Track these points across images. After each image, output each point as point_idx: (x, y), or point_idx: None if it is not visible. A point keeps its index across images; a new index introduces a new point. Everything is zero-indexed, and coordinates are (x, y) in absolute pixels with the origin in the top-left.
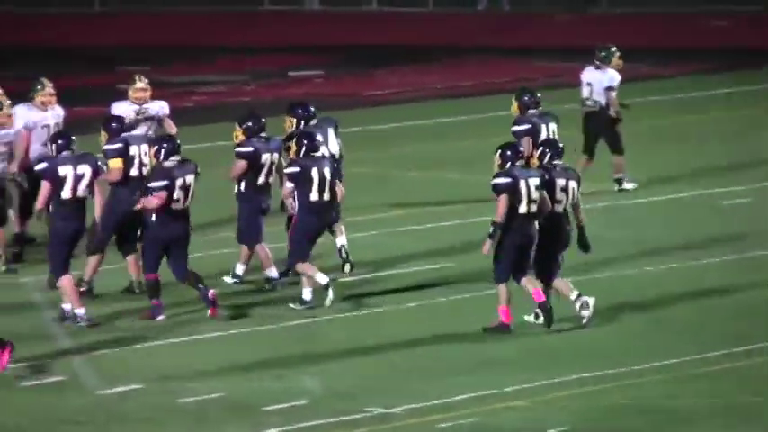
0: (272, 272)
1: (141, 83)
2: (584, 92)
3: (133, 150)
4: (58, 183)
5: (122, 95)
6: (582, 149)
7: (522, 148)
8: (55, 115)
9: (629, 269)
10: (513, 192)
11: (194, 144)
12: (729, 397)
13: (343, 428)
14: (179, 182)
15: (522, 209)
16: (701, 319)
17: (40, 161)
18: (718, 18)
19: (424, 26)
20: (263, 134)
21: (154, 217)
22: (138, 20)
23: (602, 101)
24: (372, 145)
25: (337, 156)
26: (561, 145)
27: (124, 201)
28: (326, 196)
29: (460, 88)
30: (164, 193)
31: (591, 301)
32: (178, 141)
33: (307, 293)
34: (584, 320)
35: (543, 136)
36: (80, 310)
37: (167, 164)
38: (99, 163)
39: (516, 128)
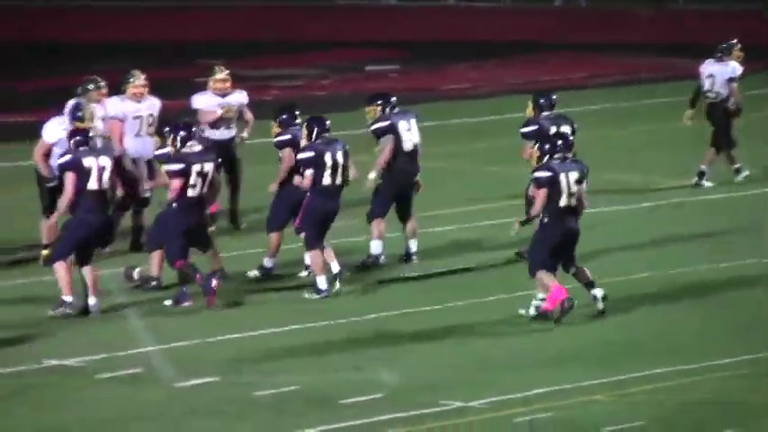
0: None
1: (222, 74)
2: (706, 84)
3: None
4: (84, 174)
5: (201, 88)
6: (710, 142)
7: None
8: (150, 106)
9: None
10: (552, 185)
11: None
12: None
13: (420, 422)
14: (196, 167)
15: (563, 202)
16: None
17: (62, 155)
18: None
19: (500, 21)
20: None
21: (174, 205)
22: (217, 14)
23: (724, 92)
24: (449, 139)
25: (419, 146)
26: (571, 138)
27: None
28: (338, 180)
29: (539, 84)
30: (179, 180)
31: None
32: (195, 129)
33: (321, 282)
34: (528, 314)
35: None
36: (68, 297)
37: (185, 150)
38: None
39: (524, 129)
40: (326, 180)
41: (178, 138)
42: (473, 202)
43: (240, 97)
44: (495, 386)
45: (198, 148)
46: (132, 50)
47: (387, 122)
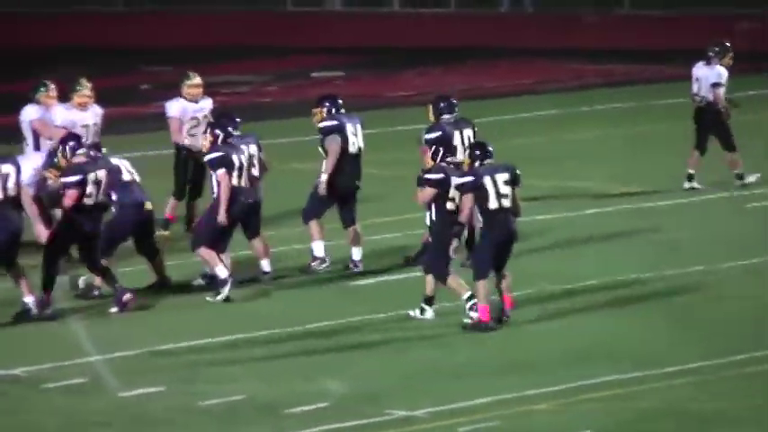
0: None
1: (195, 79)
2: (694, 87)
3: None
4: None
5: (144, 93)
6: (694, 145)
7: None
8: (94, 114)
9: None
10: (478, 189)
11: None
12: (760, 399)
13: (365, 431)
14: (91, 176)
15: (493, 204)
16: (727, 320)
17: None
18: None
19: (447, 27)
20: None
21: (65, 214)
22: (161, 20)
23: (710, 97)
24: (394, 146)
25: (362, 151)
26: (490, 147)
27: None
28: (244, 182)
29: (485, 90)
30: (75, 191)
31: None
32: (83, 138)
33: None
34: (467, 323)
35: (457, 143)
36: (29, 298)
37: (77, 159)
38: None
39: (427, 135)
40: (234, 181)
41: (68, 149)
42: (418, 210)
43: (208, 103)
44: (440, 395)
45: (84, 158)
46: (74, 56)
47: (334, 122)
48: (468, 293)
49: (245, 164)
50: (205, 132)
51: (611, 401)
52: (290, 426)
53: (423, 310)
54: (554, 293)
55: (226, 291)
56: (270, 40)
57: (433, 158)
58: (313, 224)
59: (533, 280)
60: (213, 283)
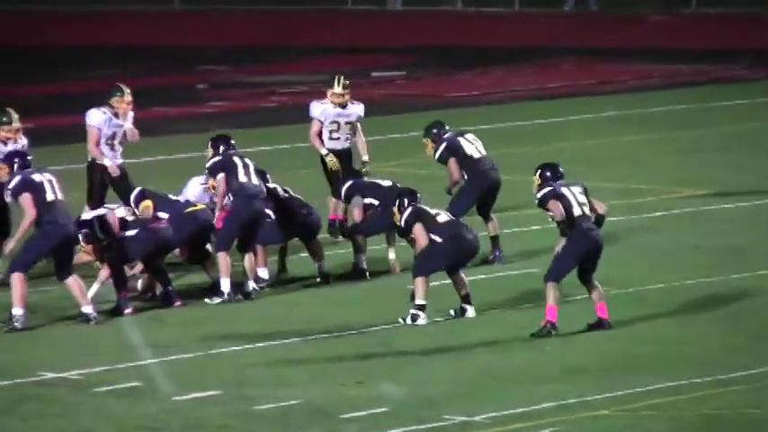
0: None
1: (338, 88)
2: None
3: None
4: (40, 188)
5: (200, 95)
6: None
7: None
8: (128, 125)
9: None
10: (560, 197)
11: (273, 145)
12: None
13: None
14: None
15: (576, 211)
16: None
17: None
18: None
19: (510, 27)
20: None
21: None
22: (218, 19)
23: None
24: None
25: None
26: (561, 169)
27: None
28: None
29: (547, 90)
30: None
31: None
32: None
33: (225, 285)
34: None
35: (466, 147)
36: (18, 311)
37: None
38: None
39: (437, 154)
40: (243, 178)
41: (15, 165)
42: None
43: (359, 109)
44: (499, 400)
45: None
46: (125, 56)
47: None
48: (423, 303)
49: (250, 163)
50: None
51: (672, 407)
52: (347, 431)
53: (415, 317)
54: (615, 298)
55: (218, 300)
56: (330, 39)
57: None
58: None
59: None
60: (265, 286)
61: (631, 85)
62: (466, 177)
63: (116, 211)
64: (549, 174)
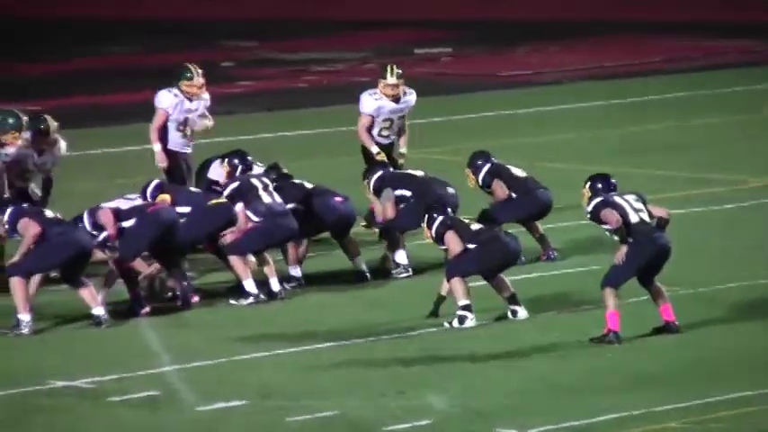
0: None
1: (393, 78)
2: None
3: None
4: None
5: (225, 73)
6: None
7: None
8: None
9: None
10: (613, 206)
11: (304, 130)
12: None
13: None
14: None
15: (633, 218)
16: None
17: None
18: None
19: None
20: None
21: None
22: None
23: None
24: (509, 132)
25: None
26: (613, 180)
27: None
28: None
29: (606, 69)
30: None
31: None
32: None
33: (250, 285)
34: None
35: (514, 171)
36: (25, 316)
37: None
38: None
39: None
40: (267, 199)
41: None
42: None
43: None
44: (555, 412)
45: None
46: (145, 30)
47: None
48: (467, 302)
49: (268, 182)
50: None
51: (745, 419)
52: None
53: (462, 319)
54: (683, 299)
55: (246, 302)
56: (369, 11)
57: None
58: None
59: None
60: (297, 286)
61: (701, 63)
62: (515, 196)
63: (113, 203)
64: (600, 185)
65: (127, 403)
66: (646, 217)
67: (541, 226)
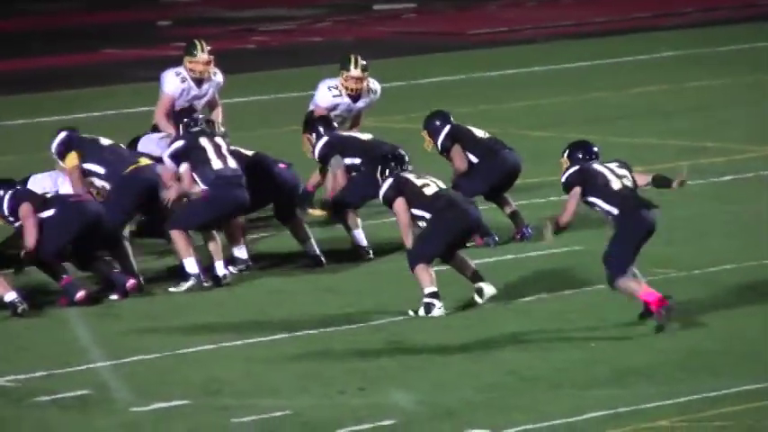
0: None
1: (357, 69)
2: None
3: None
4: None
5: (162, 34)
6: None
7: None
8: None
9: None
10: (590, 176)
11: (253, 96)
12: None
13: None
14: None
15: (616, 185)
16: None
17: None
18: None
19: None
20: None
21: None
22: None
23: None
24: (479, 98)
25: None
26: (595, 148)
27: None
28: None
29: (591, 26)
30: None
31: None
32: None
33: (191, 265)
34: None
35: (476, 132)
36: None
37: None
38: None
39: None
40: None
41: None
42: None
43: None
44: (533, 409)
45: None
46: None
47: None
48: (434, 290)
49: (221, 143)
50: None
51: (749, 416)
52: None
53: (429, 307)
54: (677, 282)
55: (185, 286)
56: None
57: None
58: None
59: (648, 266)
60: (245, 269)
61: (695, 18)
62: (476, 161)
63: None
64: (580, 154)
65: (55, 404)
66: (629, 183)
67: (514, 202)
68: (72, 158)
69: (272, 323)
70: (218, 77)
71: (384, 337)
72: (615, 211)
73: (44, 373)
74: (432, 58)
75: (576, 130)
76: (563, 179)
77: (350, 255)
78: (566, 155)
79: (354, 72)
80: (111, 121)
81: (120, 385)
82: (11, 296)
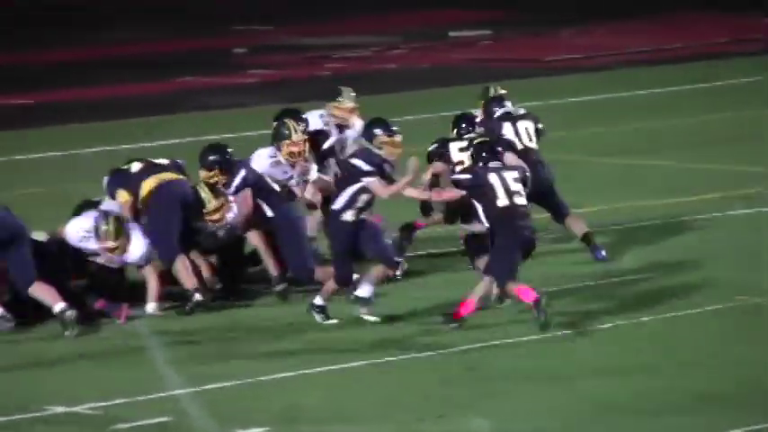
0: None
1: (298, 135)
2: None
3: None
4: None
5: (237, 61)
6: None
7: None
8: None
9: None
10: (479, 188)
11: None
12: None
13: None
14: None
15: (503, 202)
16: None
17: None
18: None
19: None
20: None
21: None
22: None
23: None
24: (556, 123)
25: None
26: (499, 148)
27: None
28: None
29: (665, 53)
30: None
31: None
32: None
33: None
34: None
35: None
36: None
37: None
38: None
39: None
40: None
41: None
42: (592, 203)
43: None
44: None
45: None
46: (145, 15)
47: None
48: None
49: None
50: None
51: None
52: None
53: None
54: (749, 310)
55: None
56: None
57: (475, 160)
58: None
59: (725, 292)
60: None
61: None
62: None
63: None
64: (485, 153)
65: (135, 431)
66: (521, 201)
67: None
68: (122, 195)
69: (351, 350)
70: (312, 167)
71: (462, 363)
72: (487, 224)
73: (124, 401)
74: (505, 84)
75: (655, 156)
76: (457, 177)
77: (429, 281)
78: (470, 152)
79: (296, 137)
80: (185, 148)
81: (200, 412)
82: (60, 306)
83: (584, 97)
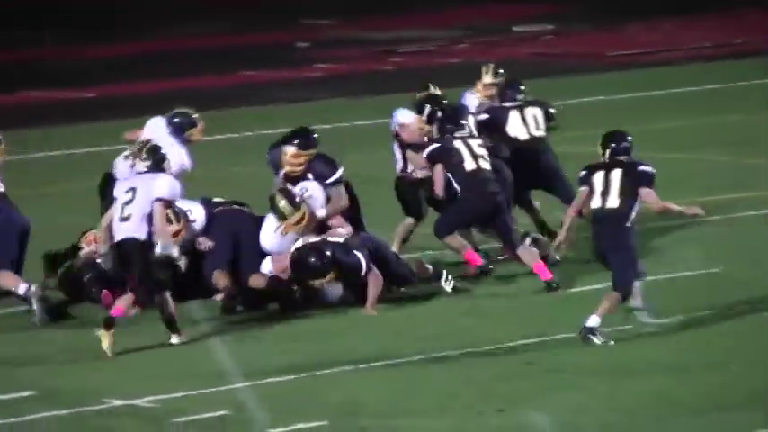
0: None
1: (489, 76)
2: None
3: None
4: None
5: (302, 55)
6: None
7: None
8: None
9: None
10: (448, 156)
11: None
12: None
13: None
14: None
15: (470, 166)
16: None
17: None
18: None
19: None
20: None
21: None
22: None
23: None
24: (617, 119)
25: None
26: (463, 121)
27: None
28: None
29: (733, 48)
30: None
31: None
32: None
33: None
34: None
35: (512, 125)
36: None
37: None
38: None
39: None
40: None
41: None
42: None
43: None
44: None
45: None
46: (208, 9)
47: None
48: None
49: None
50: None
51: None
52: None
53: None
54: None
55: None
56: None
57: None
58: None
59: None
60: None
61: None
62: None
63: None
64: (449, 125)
65: (194, 425)
66: (485, 165)
67: None
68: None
69: (411, 345)
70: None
71: (522, 358)
72: (459, 188)
73: (183, 394)
74: (568, 79)
75: (714, 151)
76: (425, 153)
77: (487, 277)
78: (435, 126)
79: (487, 79)
80: (249, 143)
81: (259, 406)
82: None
83: (642, 92)
